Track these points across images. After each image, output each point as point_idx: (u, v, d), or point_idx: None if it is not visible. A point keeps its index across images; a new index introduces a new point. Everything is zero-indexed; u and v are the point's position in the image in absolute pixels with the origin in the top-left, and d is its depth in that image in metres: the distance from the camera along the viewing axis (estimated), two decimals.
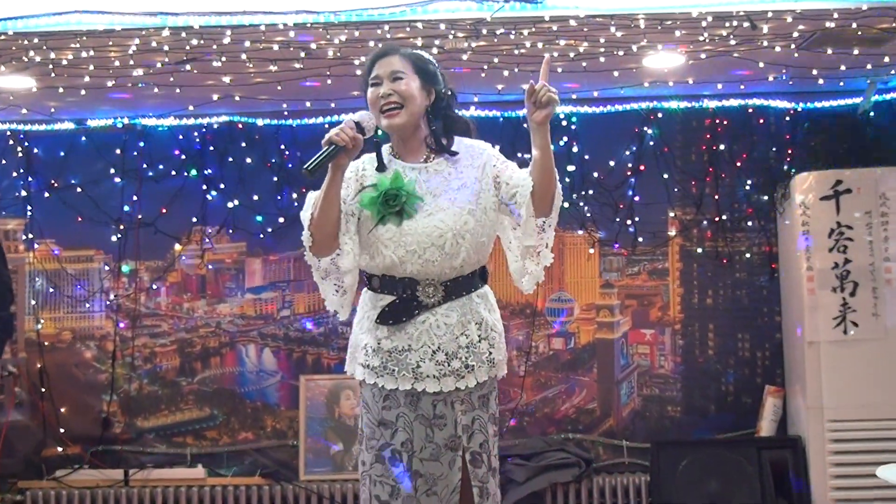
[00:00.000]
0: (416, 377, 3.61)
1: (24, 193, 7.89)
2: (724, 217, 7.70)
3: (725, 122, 7.70)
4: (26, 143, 7.88)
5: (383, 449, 3.64)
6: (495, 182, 3.80)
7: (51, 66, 6.32)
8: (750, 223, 7.69)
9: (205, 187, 7.84)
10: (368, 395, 3.70)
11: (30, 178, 7.89)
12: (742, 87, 7.36)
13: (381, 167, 3.74)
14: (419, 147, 3.81)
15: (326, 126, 7.69)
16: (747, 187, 7.69)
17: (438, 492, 3.62)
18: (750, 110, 7.67)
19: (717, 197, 7.71)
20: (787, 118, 7.65)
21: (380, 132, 3.79)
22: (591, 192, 7.69)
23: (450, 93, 3.88)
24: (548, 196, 3.75)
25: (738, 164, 7.69)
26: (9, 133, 7.85)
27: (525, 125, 7.40)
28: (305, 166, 3.57)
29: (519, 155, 7.58)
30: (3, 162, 7.89)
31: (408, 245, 3.61)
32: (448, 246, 3.61)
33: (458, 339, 3.63)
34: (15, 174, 7.89)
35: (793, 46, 6.30)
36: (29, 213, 7.89)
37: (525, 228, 3.73)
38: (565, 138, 7.68)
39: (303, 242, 3.71)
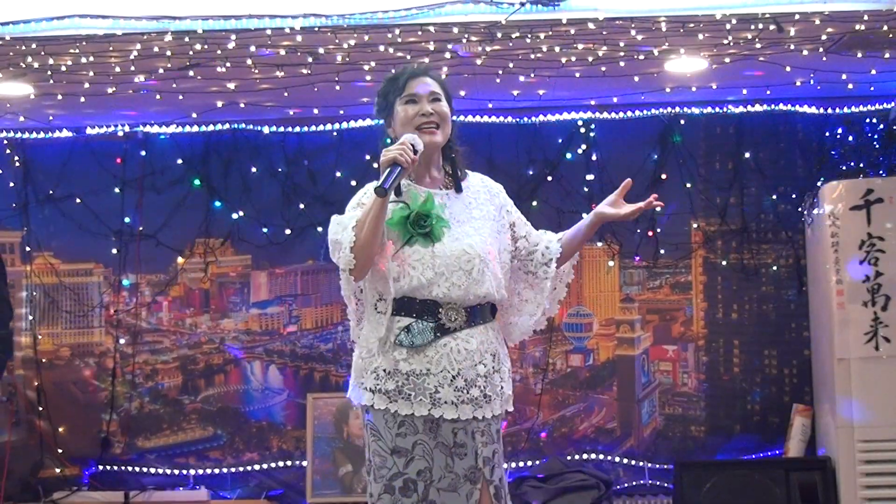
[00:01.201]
0: (433, 402, 3.60)
1: (21, 204, 7.89)
2: (749, 228, 7.66)
3: (751, 129, 7.66)
4: (24, 152, 7.90)
5: (394, 479, 3.62)
6: (511, 228, 3.94)
7: (49, 73, 6.33)
8: (777, 234, 7.66)
9: (208, 198, 7.84)
10: (380, 422, 3.65)
11: (27, 189, 7.90)
12: (768, 92, 7.33)
13: (397, 191, 3.70)
14: (437, 174, 3.88)
15: (335, 133, 7.70)
16: (774, 197, 7.65)
17: None
18: (776, 116, 7.63)
19: (742, 207, 7.67)
20: (816, 124, 7.61)
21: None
22: None
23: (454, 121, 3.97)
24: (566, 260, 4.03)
25: (765, 172, 7.65)
26: (6, 142, 7.87)
27: (541, 133, 7.39)
28: (383, 185, 3.49)
29: (535, 164, 7.59)
30: (0, 172, 7.90)
31: (436, 267, 3.65)
32: (475, 271, 3.67)
33: (477, 368, 3.67)
34: (12, 184, 7.90)
35: (821, 50, 6.28)
36: (26, 225, 7.89)
37: (540, 287, 3.95)
38: (584, 146, 7.66)
39: (341, 265, 3.64)
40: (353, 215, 3.67)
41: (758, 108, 7.62)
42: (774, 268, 7.66)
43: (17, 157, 7.89)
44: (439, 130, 3.79)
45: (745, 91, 7.33)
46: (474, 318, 3.70)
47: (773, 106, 7.61)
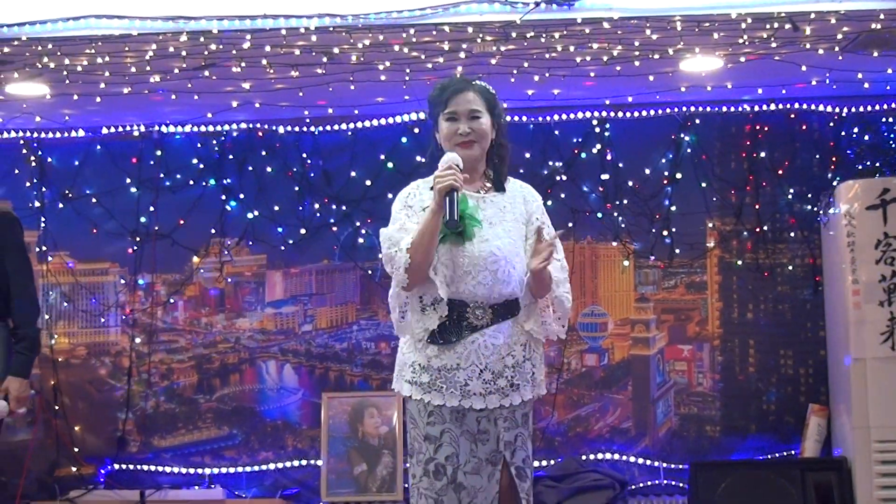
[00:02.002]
0: (463, 394, 3.91)
1: (37, 204, 7.96)
2: (765, 227, 7.68)
3: (766, 129, 7.68)
4: (40, 153, 7.96)
5: (428, 463, 3.95)
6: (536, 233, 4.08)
7: (65, 73, 6.39)
8: (792, 234, 7.67)
9: (224, 197, 7.90)
10: (415, 411, 4.00)
11: (43, 189, 7.97)
12: (783, 91, 7.35)
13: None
14: (478, 178, 4.12)
15: (349, 133, 7.74)
16: (789, 196, 7.66)
17: (480, 503, 3.92)
18: (792, 116, 7.65)
19: (757, 206, 7.68)
20: (831, 124, 7.63)
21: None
22: (625, 201, 7.70)
23: (503, 121, 4.22)
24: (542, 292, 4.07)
25: (780, 171, 7.66)
26: (22, 142, 7.93)
27: (556, 132, 7.45)
28: (452, 219, 3.80)
29: (550, 163, 7.62)
30: (17, 171, 7.98)
31: (464, 266, 3.91)
32: (500, 272, 3.93)
33: (505, 360, 3.95)
34: (28, 184, 7.97)
35: (837, 49, 6.29)
36: (42, 225, 7.96)
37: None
38: (599, 145, 7.69)
39: (395, 280, 3.93)
40: (402, 229, 3.93)
41: (773, 107, 7.63)
42: (790, 267, 7.67)
43: (32, 158, 7.96)
44: (476, 146, 4.04)
45: (760, 90, 7.34)
46: (501, 315, 3.96)
47: (788, 105, 7.62)
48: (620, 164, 7.71)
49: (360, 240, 7.79)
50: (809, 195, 7.63)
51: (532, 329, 4.03)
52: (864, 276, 6.89)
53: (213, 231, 7.91)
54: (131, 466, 7.82)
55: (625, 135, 7.72)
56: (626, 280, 7.78)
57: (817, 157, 7.66)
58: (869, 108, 7.58)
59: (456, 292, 3.93)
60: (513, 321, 4.00)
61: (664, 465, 7.60)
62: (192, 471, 7.82)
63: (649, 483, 7.60)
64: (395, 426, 7.40)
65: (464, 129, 4.02)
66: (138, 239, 7.91)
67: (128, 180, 7.93)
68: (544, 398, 7.53)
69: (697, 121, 7.70)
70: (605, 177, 7.69)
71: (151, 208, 7.93)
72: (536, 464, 7.48)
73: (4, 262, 5.43)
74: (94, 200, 7.95)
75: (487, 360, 3.93)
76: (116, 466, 7.81)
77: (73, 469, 7.78)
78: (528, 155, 7.66)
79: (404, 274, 3.87)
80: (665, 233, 7.70)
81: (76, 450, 7.82)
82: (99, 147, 7.95)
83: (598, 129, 7.70)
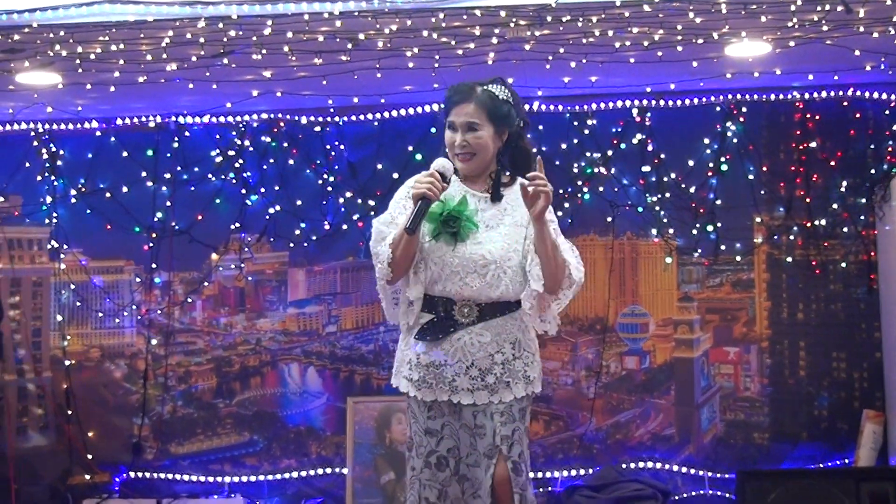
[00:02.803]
0: (452, 390, 4.21)
1: (49, 199, 7.99)
2: (816, 222, 7.61)
3: (817, 117, 7.61)
4: (51, 145, 7.98)
5: (430, 455, 4.26)
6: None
7: (78, 61, 6.39)
8: (845, 228, 7.61)
9: (244, 191, 7.90)
10: (415, 406, 4.32)
11: (55, 183, 8.00)
12: (836, 77, 7.28)
13: (443, 177, 4.20)
14: (484, 179, 4.35)
15: (375, 123, 7.73)
16: (842, 189, 7.60)
17: (482, 495, 4.20)
18: (845, 103, 7.58)
19: (808, 199, 7.62)
20: (887, 111, 7.55)
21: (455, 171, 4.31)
22: (667, 194, 7.66)
23: (522, 124, 4.37)
24: (555, 283, 4.27)
25: (832, 162, 7.60)
26: (33, 133, 7.96)
27: (594, 122, 7.42)
28: (407, 228, 4.04)
29: (587, 155, 7.59)
30: (27, 165, 8.01)
31: (452, 266, 4.19)
32: (489, 276, 4.19)
33: (494, 357, 4.21)
34: (39, 178, 8.00)
35: (892, 32, 6.22)
36: (54, 221, 7.99)
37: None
38: (639, 136, 7.65)
39: (378, 274, 4.24)
40: (392, 223, 4.24)
41: (824, 94, 7.56)
42: (843, 264, 7.61)
43: (44, 150, 7.98)
44: (475, 158, 4.26)
45: (810, 76, 7.28)
46: (490, 313, 4.22)
47: (841, 92, 7.55)
48: (662, 156, 7.66)
49: None
50: (864, 187, 7.56)
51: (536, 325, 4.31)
52: None
53: (232, 227, 7.91)
54: (147, 474, 7.84)
55: (667, 124, 7.67)
56: (669, 278, 7.74)
57: (872, 146, 7.59)
58: None
59: (443, 290, 4.22)
60: (503, 320, 4.23)
61: (709, 474, 7.56)
62: (210, 479, 7.83)
63: (693, 493, 7.56)
64: None
65: (460, 141, 4.24)
66: (154, 235, 7.93)
67: (143, 174, 7.94)
68: (582, 403, 7.60)
69: (744, 109, 7.65)
70: (645, 169, 7.65)
71: (168, 203, 7.94)
72: (573, 472, 7.51)
73: None
74: (108, 195, 7.96)
75: (474, 357, 4.19)
76: (132, 474, 7.83)
77: (87, 477, 7.80)
78: (564, 146, 7.63)
79: (387, 268, 4.18)
80: (710, 228, 7.65)
81: (90, 457, 7.84)
82: (113, 139, 7.96)
83: (638, 119, 7.65)
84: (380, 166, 7.75)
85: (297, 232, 7.88)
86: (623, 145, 7.68)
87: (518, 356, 4.27)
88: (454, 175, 4.30)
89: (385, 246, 4.19)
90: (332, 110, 7.78)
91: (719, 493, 7.51)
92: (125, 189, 7.95)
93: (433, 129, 7.66)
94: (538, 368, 4.33)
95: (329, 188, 7.83)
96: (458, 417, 4.23)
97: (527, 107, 7.51)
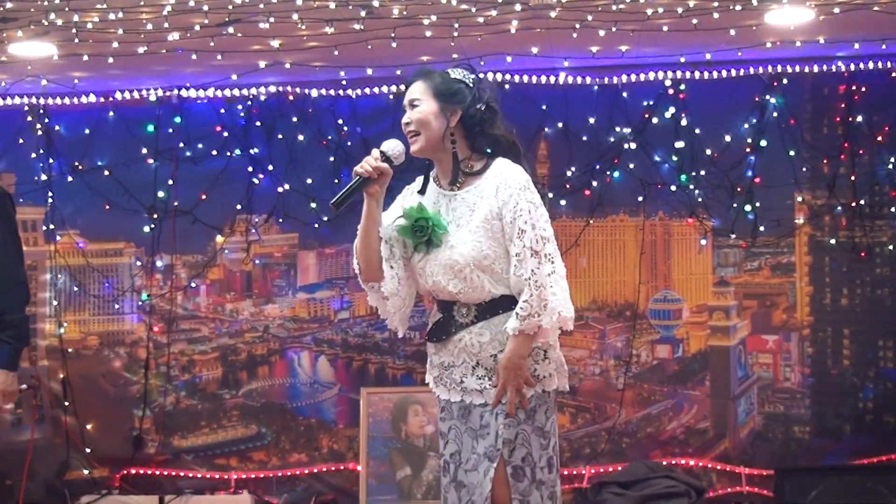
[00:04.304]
0: (463, 391, 4.30)
1: (44, 178, 8.01)
2: (861, 201, 7.60)
3: (863, 89, 7.59)
4: (47, 120, 8.00)
5: (441, 458, 4.41)
6: (510, 228, 4.17)
7: (74, 31, 6.40)
8: (893, 208, 7.60)
9: (251, 169, 7.92)
10: (437, 405, 4.49)
11: (51, 160, 8.02)
12: (883, 46, 7.25)
13: (422, 190, 4.42)
14: (448, 173, 4.36)
15: (391, 97, 7.74)
16: (890, 166, 7.58)
17: (475, 500, 4.23)
18: (893, 74, 7.56)
19: (853, 177, 7.60)
20: None
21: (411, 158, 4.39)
22: (702, 172, 7.64)
23: (484, 108, 4.31)
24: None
25: (879, 138, 7.58)
26: (27, 108, 7.98)
27: (624, 94, 7.38)
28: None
29: (617, 129, 7.57)
30: (21, 142, 8.03)
31: (434, 275, 4.27)
32: (468, 279, 4.21)
33: (497, 356, 4.21)
34: (34, 155, 8.02)
35: None
36: (50, 201, 8.01)
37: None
38: (673, 109, 7.63)
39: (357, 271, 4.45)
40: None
41: (871, 65, 7.54)
42: (890, 247, 7.60)
43: (39, 126, 8.00)
44: (419, 137, 4.29)
45: (856, 46, 7.25)
46: (488, 311, 4.24)
47: (889, 63, 7.52)
48: (697, 131, 7.65)
49: None
50: None
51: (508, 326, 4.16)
52: None
53: (238, 207, 7.93)
54: (149, 469, 7.88)
55: (702, 97, 7.65)
56: (704, 261, 7.74)
57: None
58: None
59: (442, 294, 4.30)
60: (504, 317, 4.20)
61: (746, 470, 7.57)
62: (216, 474, 7.86)
63: (729, 490, 7.57)
64: None
65: (405, 118, 4.32)
66: (156, 216, 7.95)
67: (144, 151, 7.96)
68: (610, 395, 7.61)
69: (785, 81, 7.63)
70: (679, 144, 7.63)
71: (170, 182, 7.96)
72: (602, 468, 7.50)
73: None
74: (106, 173, 7.98)
75: (478, 358, 4.26)
76: (133, 469, 7.86)
77: (85, 472, 7.85)
78: (592, 120, 7.63)
79: (355, 260, 4.43)
80: (748, 208, 7.64)
81: (88, 451, 7.88)
82: (112, 114, 7.98)
83: (671, 91, 7.64)
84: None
85: (308, 212, 7.89)
86: (655, 119, 7.67)
87: None
88: (432, 181, 4.40)
89: (356, 245, 4.42)
90: (344, 83, 7.77)
91: (756, 490, 7.52)
92: (125, 167, 7.96)
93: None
94: (553, 365, 4.28)
95: (341, 165, 7.84)
96: (466, 420, 4.29)
97: (552, 79, 7.57)
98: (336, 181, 7.81)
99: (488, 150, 4.30)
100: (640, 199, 7.65)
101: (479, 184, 4.27)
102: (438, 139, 4.28)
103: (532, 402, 4.24)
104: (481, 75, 4.40)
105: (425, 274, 4.29)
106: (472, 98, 4.29)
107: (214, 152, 7.93)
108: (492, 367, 4.22)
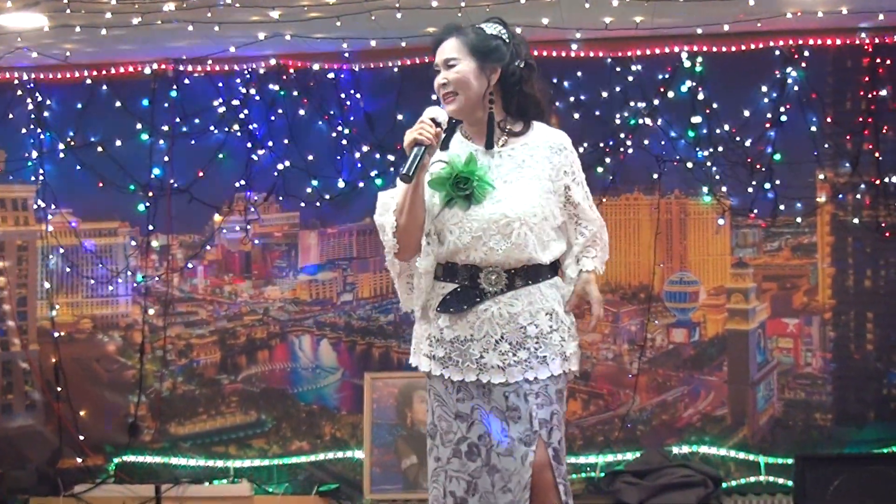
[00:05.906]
0: (480, 368, 4.14)
1: (34, 154, 8.02)
2: (886, 179, 7.57)
3: (889, 62, 7.56)
4: (37, 94, 8.01)
5: (461, 443, 4.18)
6: (566, 194, 4.31)
7: (66, 1, 6.39)
8: None
9: (249, 146, 7.92)
10: (441, 388, 4.26)
11: (42, 136, 8.03)
12: None
13: (444, 145, 4.22)
14: (483, 131, 4.28)
15: (395, 70, 7.72)
16: None
17: (513, 488, 4.12)
18: None
19: (877, 154, 7.58)
20: None
21: (453, 120, 4.28)
22: (720, 148, 7.62)
23: (523, 65, 4.29)
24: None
25: None
26: (17, 82, 7.98)
27: (638, 68, 7.35)
28: (404, 173, 4.00)
29: (631, 104, 7.55)
30: (11, 116, 8.03)
31: (473, 231, 4.12)
32: (514, 235, 4.11)
33: (526, 329, 4.14)
34: (24, 131, 8.03)
35: None
36: (41, 178, 8.02)
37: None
38: (689, 83, 7.61)
39: (386, 248, 4.26)
40: (394, 195, 4.22)
41: None
42: None
43: (29, 100, 8.00)
44: (458, 97, 4.22)
45: (881, 16, 7.22)
46: (521, 279, 4.17)
47: None
48: (714, 105, 7.63)
49: None
50: None
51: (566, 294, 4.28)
52: None
53: (237, 185, 7.94)
54: (144, 457, 7.90)
55: (720, 70, 7.63)
56: (721, 242, 7.73)
57: None
58: None
59: (466, 258, 4.15)
60: (535, 287, 4.18)
61: (765, 459, 7.57)
62: (214, 462, 7.89)
63: (748, 480, 7.57)
64: None
65: (440, 79, 4.26)
66: (151, 194, 7.96)
67: (139, 126, 7.96)
68: (624, 381, 7.61)
69: (806, 53, 7.60)
70: (696, 120, 7.61)
71: (166, 158, 7.97)
72: (615, 457, 7.57)
73: None
74: (99, 149, 7.99)
75: (503, 330, 4.13)
76: (128, 457, 7.88)
77: (79, 460, 7.87)
78: (605, 94, 7.61)
79: (393, 238, 4.19)
80: (767, 186, 7.63)
81: (81, 438, 7.90)
82: (105, 88, 7.98)
83: (688, 64, 7.62)
84: (400, 117, 7.73)
85: (309, 190, 7.89)
86: (671, 94, 7.65)
87: (555, 328, 4.18)
88: (460, 135, 4.32)
89: (390, 215, 4.20)
90: (346, 55, 7.77)
91: (776, 479, 7.52)
92: (118, 143, 7.97)
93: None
94: (575, 344, 4.27)
95: (344, 142, 7.84)
96: (489, 400, 4.14)
97: (563, 52, 7.55)
98: (339, 157, 7.80)
99: (525, 114, 4.31)
100: (656, 176, 7.64)
101: (525, 142, 4.27)
102: (478, 99, 4.23)
103: (560, 382, 4.20)
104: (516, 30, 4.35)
105: (461, 230, 4.12)
106: (510, 55, 4.24)
107: (212, 128, 7.94)
108: (518, 342, 4.12)
